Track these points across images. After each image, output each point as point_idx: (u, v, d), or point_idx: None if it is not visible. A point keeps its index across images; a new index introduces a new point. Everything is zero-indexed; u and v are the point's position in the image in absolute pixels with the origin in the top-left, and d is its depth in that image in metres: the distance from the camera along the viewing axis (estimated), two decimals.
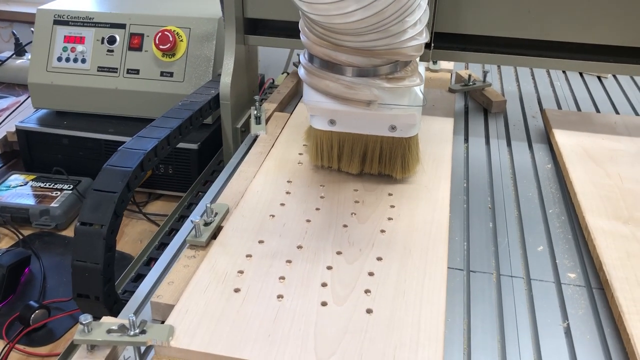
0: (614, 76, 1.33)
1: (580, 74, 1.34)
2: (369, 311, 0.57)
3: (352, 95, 0.69)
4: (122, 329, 0.52)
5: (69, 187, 1.19)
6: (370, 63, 0.68)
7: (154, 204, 1.24)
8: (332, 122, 0.76)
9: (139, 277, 0.86)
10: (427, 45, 1.01)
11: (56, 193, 1.17)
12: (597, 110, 1.15)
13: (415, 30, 0.67)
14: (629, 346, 0.55)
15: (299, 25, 0.70)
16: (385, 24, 0.62)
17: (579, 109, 1.15)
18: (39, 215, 1.12)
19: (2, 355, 0.85)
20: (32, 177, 1.23)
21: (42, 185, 1.20)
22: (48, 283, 1.00)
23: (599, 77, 1.32)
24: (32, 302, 0.91)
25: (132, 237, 1.13)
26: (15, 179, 1.23)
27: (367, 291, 0.59)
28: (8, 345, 0.86)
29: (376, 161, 0.79)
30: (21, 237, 1.10)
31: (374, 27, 0.62)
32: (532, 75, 1.32)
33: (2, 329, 0.90)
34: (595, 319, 0.61)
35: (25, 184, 1.21)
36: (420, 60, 0.79)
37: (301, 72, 0.72)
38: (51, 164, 1.25)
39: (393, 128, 0.76)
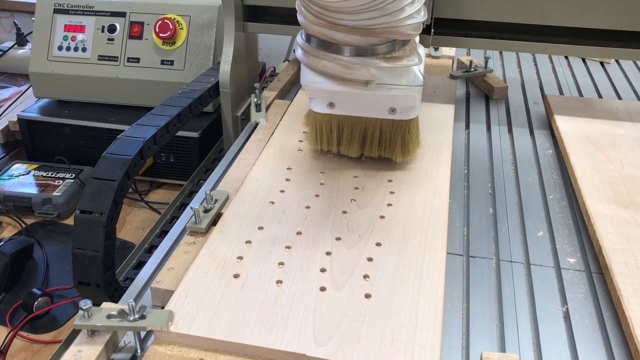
0: (617, 61, 1.32)
1: (583, 59, 1.33)
2: (367, 296, 0.57)
3: (350, 75, 0.68)
4: (122, 314, 0.53)
5: (71, 176, 1.20)
6: (368, 42, 0.67)
7: (156, 192, 1.24)
8: (331, 104, 0.76)
9: (141, 265, 0.87)
10: (428, 31, 1.01)
11: (58, 182, 1.18)
12: (600, 96, 1.14)
13: (413, 8, 0.66)
14: (627, 330, 0.55)
15: (296, 5, 0.70)
16: (382, 1, 0.61)
17: (581, 94, 1.15)
18: (41, 204, 1.13)
19: (5, 342, 0.86)
20: (35, 166, 1.24)
21: (44, 174, 1.21)
22: (51, 271, 1.01)
23: (601, 63, 1.31)
24: (35, 290, 0.92)
25: (134, 225, 1.14)
26: (18, 168, 1.23)
27: (365, 276, 0.59)
28: (12, 332, 0.87)
29: (376, 144, 0.79)
30: (24, 225, 1.11)
31: (371, 5, 0.61)
32: (535, 61, 1.31)
33: (6, 316, 0.91)
34: (595, 303, 0.61)
35: (27, 173, 1.21)
36: (421, 45, 0.79)
37: (298, 52, 0.71)
38: (53, 153, 1.25)
39: (393, 110, 0.75)
